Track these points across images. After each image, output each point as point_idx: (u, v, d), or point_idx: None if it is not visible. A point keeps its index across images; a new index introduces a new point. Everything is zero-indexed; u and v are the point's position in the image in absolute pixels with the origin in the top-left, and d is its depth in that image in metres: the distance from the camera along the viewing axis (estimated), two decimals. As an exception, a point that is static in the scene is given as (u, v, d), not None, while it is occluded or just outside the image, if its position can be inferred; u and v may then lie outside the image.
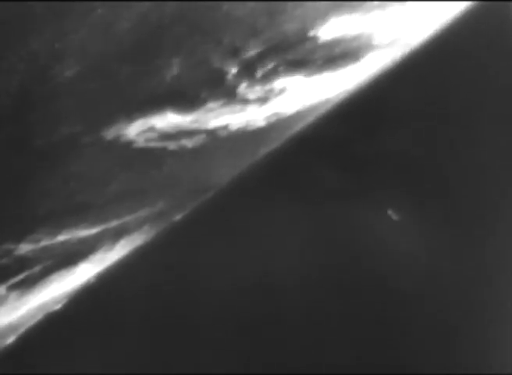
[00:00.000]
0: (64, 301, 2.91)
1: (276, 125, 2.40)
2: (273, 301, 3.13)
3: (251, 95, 2.18)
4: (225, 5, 1.97)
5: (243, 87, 2.10)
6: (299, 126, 2.52)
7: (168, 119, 2.05)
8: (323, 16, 2.10)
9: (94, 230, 2.35)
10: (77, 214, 2.21)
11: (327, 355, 3.16)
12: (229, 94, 2.09)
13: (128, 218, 2.30)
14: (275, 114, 2.36)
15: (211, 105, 2.09)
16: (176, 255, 3.05)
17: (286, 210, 3.21)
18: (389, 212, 3.15)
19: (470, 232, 3.33)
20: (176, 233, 2.80)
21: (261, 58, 2.09)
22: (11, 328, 2.86)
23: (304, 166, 3.22)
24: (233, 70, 2.06)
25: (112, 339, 3.09)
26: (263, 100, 2.26)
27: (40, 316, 2.82)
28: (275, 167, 3.05)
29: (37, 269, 2.36)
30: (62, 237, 2.27)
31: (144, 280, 3.12)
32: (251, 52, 2.07)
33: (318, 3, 2.07)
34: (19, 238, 2.28)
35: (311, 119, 2.47)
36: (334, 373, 3.04)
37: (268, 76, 2.15)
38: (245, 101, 2.19)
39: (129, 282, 3.06)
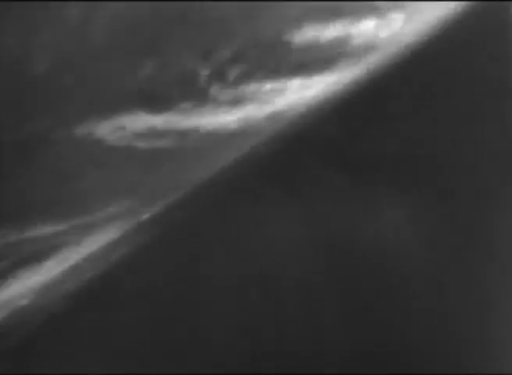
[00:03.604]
0: (31, 296, 2.91)
1: (248, 129, 2.41)
2: (268, 302, 3.19)
3: (223, 98, 2.20)
4: (199, 6, 2.00)
5: (215, 90, 2.12)
6: (270, 131, 2.54)
7: (140, 119, 2.07)
8: (298, 21, 2.13)
9: (61, 227, 2.35)
10: (45, 210, 2.21)
11: (326, 354, 3.25)
12: (200, 96, 2.10)
13: (96, 215, 2.31)
14: (247, 118, 2.37)
15: (182, 106, 2.09)
16: (143, 253, 3.09)
17: (282, 211, 3.29)
18: (389, 212, 3.23)
19: (471, 232, 3.42)
20: (143, 231, 2.83)
21: (234, 60, 2.11)
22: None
23: (302, 167, 3.30)
24: (205, 72, 2.08)
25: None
26: (235, 103, 2.28)
27: (5, 312, 2.81)
28: (271, 166, 3.12)
29: (3, 265, 2.35)
30: (29, 233, 2.27)
31: (111, 277, 3.16)
32: (224, 55, 2.10)
33: (292, 7, 2.10)
34: (-15, 234, 2.28)
35: (285, 122, 2.50)
36: (333, 373, 3.12)
37: (241, 80, 2.17)
38: (217, 104, 2.20)
39: (95, 279, 3.09)
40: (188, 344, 3.34)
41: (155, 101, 1.90)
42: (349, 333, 3.37)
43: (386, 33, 2.53)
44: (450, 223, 3.48)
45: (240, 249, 3.43)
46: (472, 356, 3.26)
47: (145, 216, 2.65)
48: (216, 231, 3.45)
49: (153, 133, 1.91)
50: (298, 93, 2.46)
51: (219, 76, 2.07)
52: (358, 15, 2.36)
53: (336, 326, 3.37)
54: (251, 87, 2.24)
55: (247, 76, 2.16)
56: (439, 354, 3.23)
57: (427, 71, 3.48)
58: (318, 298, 3.39)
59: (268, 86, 2.34)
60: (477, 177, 3.50)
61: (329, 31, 2.29)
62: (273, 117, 2.41)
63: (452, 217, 3.51)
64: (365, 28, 2.38)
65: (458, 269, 3.38)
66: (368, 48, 2.59)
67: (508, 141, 3.55)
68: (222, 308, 3.39)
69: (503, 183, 3.53)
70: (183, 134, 2.04)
